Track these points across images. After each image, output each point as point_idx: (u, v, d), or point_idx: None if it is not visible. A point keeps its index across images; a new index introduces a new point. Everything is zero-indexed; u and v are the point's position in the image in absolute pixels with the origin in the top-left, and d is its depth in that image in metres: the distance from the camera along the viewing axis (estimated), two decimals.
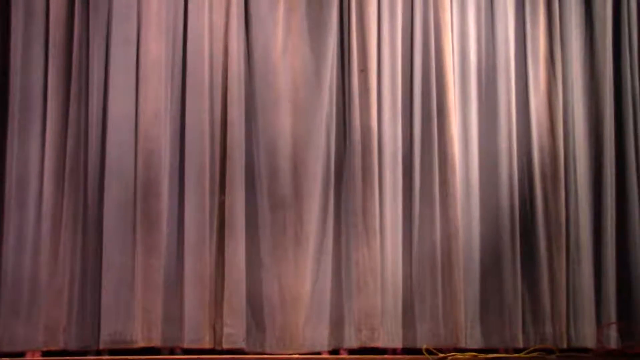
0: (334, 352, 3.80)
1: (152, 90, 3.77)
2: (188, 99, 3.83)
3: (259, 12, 3.95)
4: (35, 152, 3.68)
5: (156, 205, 3.68)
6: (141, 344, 3.60)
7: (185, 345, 3.65)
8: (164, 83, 3.81)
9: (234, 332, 3.67)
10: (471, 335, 3.89)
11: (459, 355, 3.72)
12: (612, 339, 3.98)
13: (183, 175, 3.77)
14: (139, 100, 3.75)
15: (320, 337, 3.78)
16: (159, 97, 3.78)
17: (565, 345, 3.94)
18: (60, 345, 3.55)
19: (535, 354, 3.82)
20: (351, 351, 3.79)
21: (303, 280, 3.82)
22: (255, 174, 3.92)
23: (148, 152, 3.72)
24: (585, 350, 3.95)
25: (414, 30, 4.10)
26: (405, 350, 3.84)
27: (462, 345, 3.83)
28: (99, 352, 3.58)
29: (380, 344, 3.79)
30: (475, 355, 3.74)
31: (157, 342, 3.62)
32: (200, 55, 3.83)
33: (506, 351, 3.89)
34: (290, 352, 3.74)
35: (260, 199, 3.88)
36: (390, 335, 3.82)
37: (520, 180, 4.10)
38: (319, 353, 3.77)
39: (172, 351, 3.67)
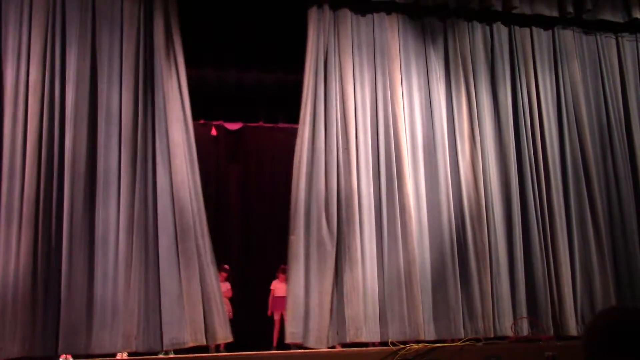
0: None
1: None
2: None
3: None
4: (113, 215, 4.40)
5: (191, 246, 4.37)
6: (191, 344, 4.25)
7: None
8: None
9: None
10: (428, 331, 4.62)
11: (414, 346, 4.24)
12: (523, 329, 4.70)
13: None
14: (172, 179, 4.50)
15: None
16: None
17: (492, 335, 4.63)
18: (132, 349, 4.14)
19: (467, 343, 4.43)
20: (343, 345, 4.45)
21: None
22: None
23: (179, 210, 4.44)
24: (505, 338, 4.63)
25: (378, 120, 4.93)
26: (381, 344, 4.42)
27: (422, 338, 4.49)
28: (166, 352, 4.22)
29: (363, 339, 4.45)
30: (426, 345, 4.27)
31: (202, 341, 4.26)
32: None
33: (452, 341, 4.45)
34: None
35: None
36: (370, 334, 4.45)
37: (456, 220, 4.90)
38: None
39: (217, 348, 4.30)
